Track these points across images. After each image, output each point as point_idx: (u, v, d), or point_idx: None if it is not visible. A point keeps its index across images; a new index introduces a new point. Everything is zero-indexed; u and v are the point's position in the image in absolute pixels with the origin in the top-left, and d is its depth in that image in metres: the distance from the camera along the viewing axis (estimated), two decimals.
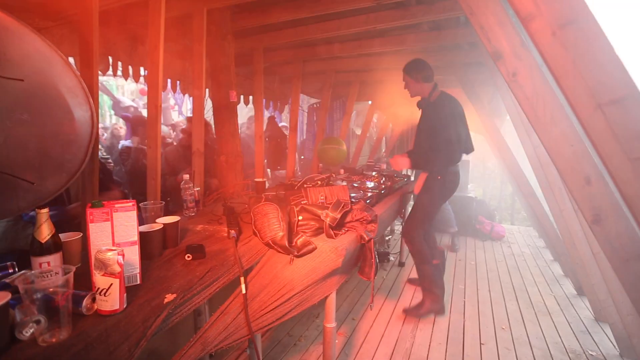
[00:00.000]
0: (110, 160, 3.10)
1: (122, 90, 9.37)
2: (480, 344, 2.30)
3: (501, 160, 4.45)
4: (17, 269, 1.07)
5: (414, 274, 3.29)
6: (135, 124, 3.30)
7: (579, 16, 0.82)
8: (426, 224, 2.50)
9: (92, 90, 1.44)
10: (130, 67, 2.93)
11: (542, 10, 0.86)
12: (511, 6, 0.91)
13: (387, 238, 4.09)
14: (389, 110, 5.25)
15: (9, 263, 1.07)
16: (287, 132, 4.80)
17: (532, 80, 1.06)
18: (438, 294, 2.51)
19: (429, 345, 2.24)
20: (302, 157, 5.72)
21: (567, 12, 0.84)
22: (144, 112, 5.73)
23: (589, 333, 2.48)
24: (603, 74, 0.81)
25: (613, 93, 0.81)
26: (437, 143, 2.26)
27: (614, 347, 2.29)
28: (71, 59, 2.32)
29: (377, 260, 1.65)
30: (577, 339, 2.41)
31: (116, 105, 5.63)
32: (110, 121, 7.36)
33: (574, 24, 0.83)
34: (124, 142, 3.43)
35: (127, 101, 5.89)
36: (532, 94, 1.06)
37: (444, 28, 2.86)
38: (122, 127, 4.20)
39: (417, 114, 2.54)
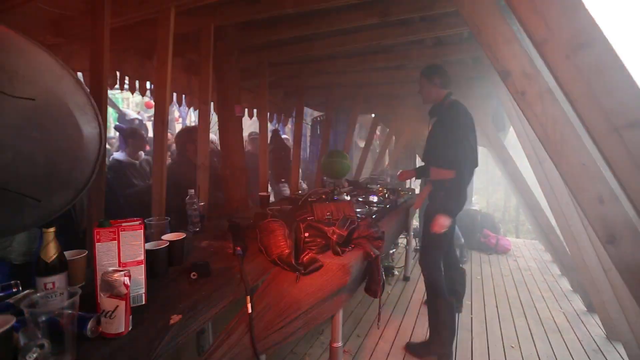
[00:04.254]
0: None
1: (127, 103, 9.49)
2: None
3: (505, 174, 4.43)
4: (20, 288, 1.06)
5: (416, 296, 3.24)
6: (125, 135, 3.03)
7: (593, 39, 0.82)
8: (442, 250, 2.24)
9: (101, 107, 1.46)
10: (137, 82, 2.98)
11: (555, 34, 0.87)
12: (524, 29, 0.92)
13: (391, 252, 4.04)
14: (393, 123, 5.27)
15: (12, 282, 1.06)
16: (290, 145, 4.82)
17: (542, 99, 1.05)
18: (446, 337, 2.17)
19: None
20: (301, 168, 5.69)
21: (581, 35, 0.84)
22: (149, 125, 5.80)
23: (602, 352, 2.41)
24: (619, 97, 0.80)
25: (630, 116, 0.80)
26: (456, 155, 2.06)
27: None
28: (80, 74, 2.37)
29: (384, 278, 1.62)
30: (589, 358, 2.34)
31: (121, 118, 5.69)
32: (115, 134, 7.42)
33: (587, 47, 0.83)
34: (115, 155, 2.95)
35: (132, 114, 5.95)
36: (542, 112, 1.05)
37: (447, 43, 2.89)
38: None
39: (420, 127, 2.49)
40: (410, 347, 2.32)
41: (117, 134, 3.66)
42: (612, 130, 0.81)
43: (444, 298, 2.16)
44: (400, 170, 2.48)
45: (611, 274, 2.00)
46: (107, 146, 3.76)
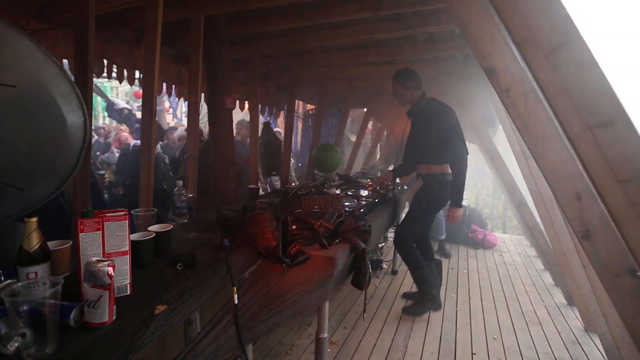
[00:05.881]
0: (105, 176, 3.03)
1: (116, 92, 9.31)
2: (472, 354, 2.30)
3: (493, 170, 4.50)
4: (2, 278, 1.05)
5: (405, 286, 3.30)
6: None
7: (571, 40, 0.85)
8: (418, 232, 2.54)
9: (86, 96, 1.43)
10: (125, 70, 2.92)
11: (534, 34, 0.89)
12: (505, 28, 0.93)
13: (380, 245, 4.09)
14: (384, 117, 5.30)
15: None
16: (281, 138, 4.80)
17: (525, 97, 1.08)
18: (434, 293, 2.56)
19: (421, 355, 2.24)
20: (300, 164, 5.72)
21: (559, 36, 0.86)
22: (138, 115, 5.70)
23: (579, 343, 2.50)
24: (593, 97, 0.83)
25: (603, 116, 0.83)
26: (452, 152, 2.24)
27: (603, 358, 2.31)
28: (65, 61, 2.31)
29: (370, 270, 1.65)
30: (567, 349, 2.43)
31: (110, 107, 5.59)
32: (103, 123, 7.30)
33: (565, 47, 0.85)
34: (137, 142, 3.30)
35: (121, 103, 5.85)
36: (525, 110, 1.07)
37: (439, 40, 2.91)
38: (126, 130, 4.15)
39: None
40: (406, 310, 2.67)
41: (108, 123, 3.77)
42: (586, 129, 0.84)
43: (423, 265, 2.51)
44: (378, 176, 2.68)
45: (589, 268, 2.07)
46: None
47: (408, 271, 3.59)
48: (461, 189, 2.29)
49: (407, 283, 3.32)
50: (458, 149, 2.21)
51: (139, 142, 3.25)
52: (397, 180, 2.88)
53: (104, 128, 5.29)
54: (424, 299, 2.59)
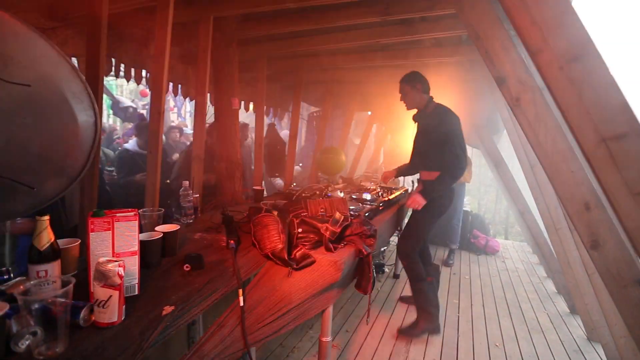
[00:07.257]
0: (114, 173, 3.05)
1: (121, 90, 9.36)
2: None
3: (497, 175, 4.49)
4: (12, 275, 1.06)
5: (406, 291, 3.29)
6: (139, 128, 3.11)
7: (586, 53, 0.85)
8: (421, 241, 2.47)
9: (97, 95, 1.44)
10: (132, 69, 2.93)
11: (550, 45, 0.89)
12: (520, 39, 0.94)
13: (382, 249, 4.09)
14: (388, 121, 5.30)
15: (4, 269, 1.06)
16: (286, 140, 4.81)
17: (535, 106, 1.08)
18: (432, 313, 2.43)
19: None
20: (301, 164, 5.73)
21: (575, 48, 0.86)
22: (144, 113, 5.73)
23: (582, 353, 2.49)
24: (607, 109, 0.83)
25: (617, 129, 0.83)
26: (444, 157, 2.21)
27: None
28: (74, 59, 2.32)
29: (375, 275, 1.65)
30: (569, 358, 2.41)
31: (115, 106, 5.62)
32: (108, 120, 7.33)
33: (580, 60, 0.86)
34: (126, 145, 3.10)
35: (126, 101, 5.88)
36: (534, 119, 1.08)
37: (446, 45, 2.91)
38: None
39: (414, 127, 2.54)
40: (402, 332, 2.48)
41: (112, 121, 3.77)
42: (599, 141, 0.84)
43: (424, 279, 2.40)
44: (383, 172, 2.66)
45: (594, 277, 2.06)
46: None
47: None
48: (438, 186, 2.23)
49: (407, 292, 3.31)
50: (453, 155, 2.16)
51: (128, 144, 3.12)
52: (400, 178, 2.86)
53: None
54: (421, 319, 2.45)
